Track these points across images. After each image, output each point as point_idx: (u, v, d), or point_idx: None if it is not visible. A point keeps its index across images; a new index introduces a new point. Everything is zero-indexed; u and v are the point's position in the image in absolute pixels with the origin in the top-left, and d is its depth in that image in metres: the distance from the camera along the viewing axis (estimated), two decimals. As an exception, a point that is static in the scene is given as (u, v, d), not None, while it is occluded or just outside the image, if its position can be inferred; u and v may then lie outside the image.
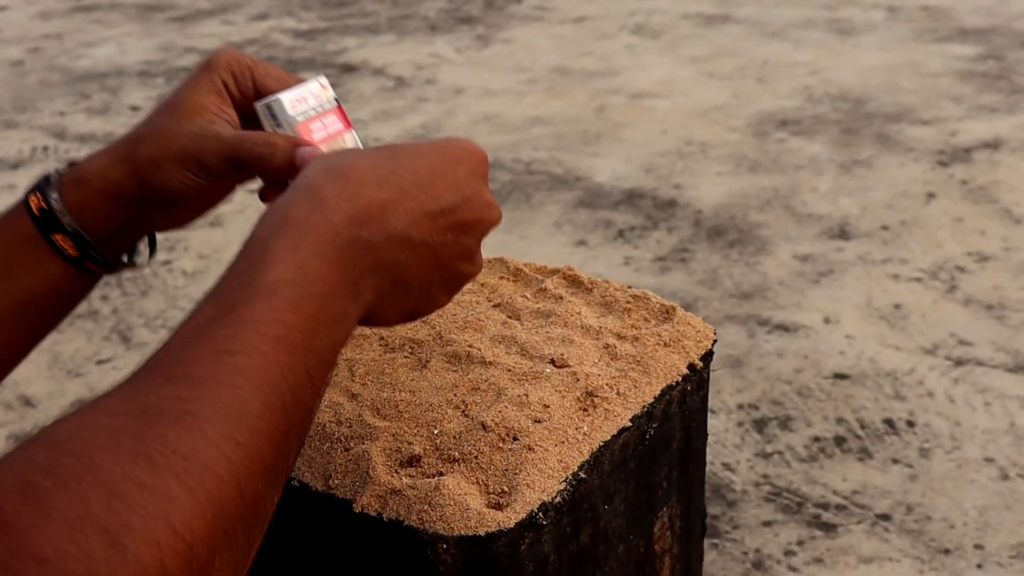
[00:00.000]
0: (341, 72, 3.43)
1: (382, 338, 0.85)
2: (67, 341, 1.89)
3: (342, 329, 0.57)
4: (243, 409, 0.50)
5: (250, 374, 0.51)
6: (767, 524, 1.38)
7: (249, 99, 0.75)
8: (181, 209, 0.75)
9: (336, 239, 0.57)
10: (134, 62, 3.65)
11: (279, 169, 0.70)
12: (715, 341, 0.89)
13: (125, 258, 0.76)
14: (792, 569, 1.31)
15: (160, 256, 2.20)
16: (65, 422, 0.47)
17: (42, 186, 0.73)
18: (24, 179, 2.67)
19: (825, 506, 1.41)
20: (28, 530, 0.42)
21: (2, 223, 0.73)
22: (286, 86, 0.74)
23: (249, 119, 0.75)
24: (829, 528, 1.37)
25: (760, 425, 1.57)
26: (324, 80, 0.75)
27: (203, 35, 3.92)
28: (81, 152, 2.83)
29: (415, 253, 0.61)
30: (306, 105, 0.73)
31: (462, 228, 0.63)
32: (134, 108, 3.17)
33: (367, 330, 0.86)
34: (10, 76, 3.57)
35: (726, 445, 1.53)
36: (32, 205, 0.72)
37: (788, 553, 1.33)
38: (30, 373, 1.79)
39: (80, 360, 1.85)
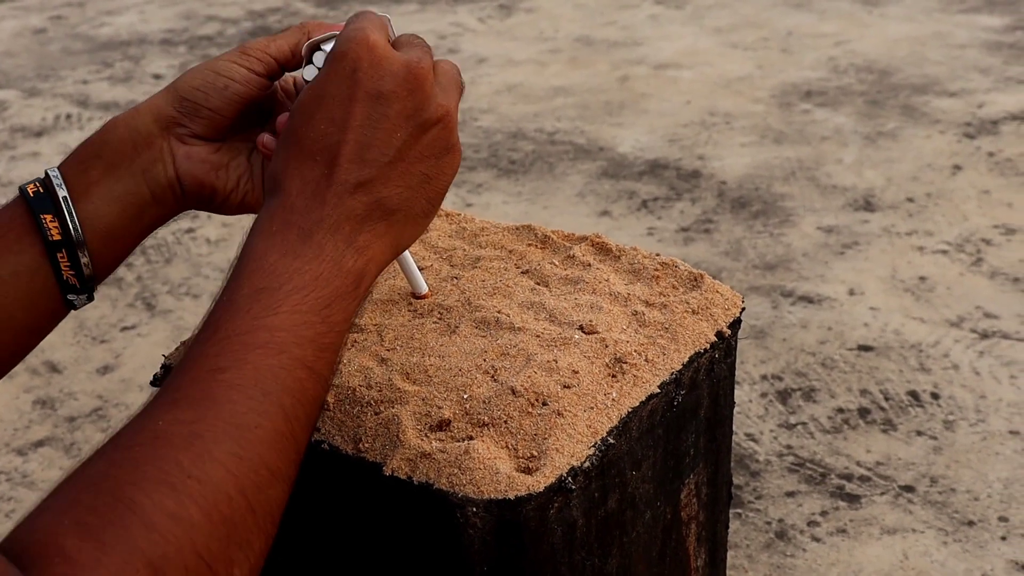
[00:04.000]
0: (363, 41, 3.41)
1: (410, 304, 0.85)
2: (92, 308, 1.89)
3: (340, 308, 0.60)
4: (241, 423, 0.54)
5: (242, 386, 0.55)
6: (790, 495, 1.38)
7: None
8: (208, 121, 0.76)
9: (301, 233, 0.60)
10: (156, 30, 3.64)
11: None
12: (743, 309, 0.89)
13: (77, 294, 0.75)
14: (815, 539, 1.31)
15: (184, 224, 2.21)
16: (95, 463, 0.52)
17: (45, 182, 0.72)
18: (48, 147, 2.67)
19: (849, 477, 1.41)
20: (89, 564, 0.47)
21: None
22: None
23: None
24: (853, 499, 1.37)
25: (784, 396, 1.57)
26: None
27: (225, 3, 3.91)
28: (105, 121, 2.83)
29: (387, 181, 0.63)
30: None
31: (404, 117, 0.64)
32: (156, 76, 3.17)
33: (395, 295, 0.86)
34: (33, 44, 3.57)
35: (749, 416, 1.53)
36: (28, 190, 0.72)
37: (811, 523, 1.33)
38: (55, 339, 1.80)
39: (105, 327, 1.86)
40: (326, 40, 0.72)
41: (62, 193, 0.71)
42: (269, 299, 0.58)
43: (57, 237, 0.71)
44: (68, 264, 0.71)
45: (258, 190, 0.78)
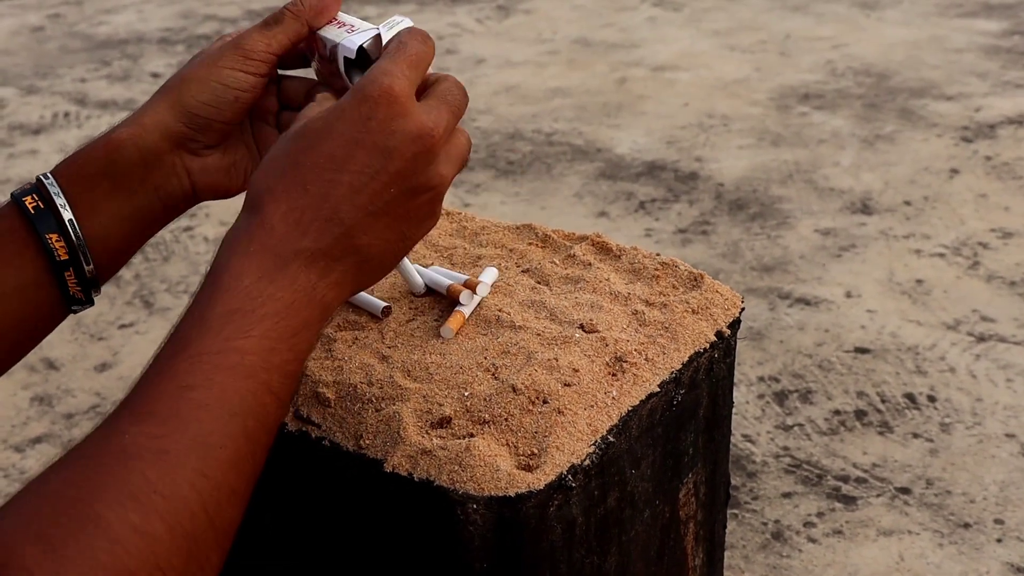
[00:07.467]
0: (361, 41, 3.41)
1: (411, 301, 0.85)
2: (90, 305, 1.89)
3: (305, 338, 0.61)
4: (207, 442, 0.55)
5: (210, 406, 0.55)
6: (787, 496, 1.38)
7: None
8: (219, 132, 0.75)
9: (278, 259, 0.60)
10: (154, 29, 3.64)
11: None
12: (742, 309, 0.89)
13: (82, 293, 0.74)
14: (811, 540, 1.31)
15: (182, 223, 2.21)
16: (59, 472, 0.52)
17: (37, 188, 0.71)
18: (46, 144, 2.67)
19: (845, 479, 1.41)
20: None
21: None
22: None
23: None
24: (849, 500, 1.37)
25: (781, 398, 1.57)
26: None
27: (223, 3, 3.91)
28: (103, 119, 2.84)
29: (367, 230, 0.63)
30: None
31: (401, 177, 0.63)
32: (155, 75, 3.17)
33: (396, 293, 0.86)
34: (31, 42, 3.57)
35: (747, 417, 1.53)
36: (27, 205, 0.70)
37: (807, 524, 1.34)
38: (53, 337, 1.78)
39: (103, 324, 1.86)
40: (360, 34, 0.72)
41: (67, 215, 0.70)
42: (242, 321, 0.58)
43: (65, 257, 0.70)
44: (75, 281, 0.71)
45: None
